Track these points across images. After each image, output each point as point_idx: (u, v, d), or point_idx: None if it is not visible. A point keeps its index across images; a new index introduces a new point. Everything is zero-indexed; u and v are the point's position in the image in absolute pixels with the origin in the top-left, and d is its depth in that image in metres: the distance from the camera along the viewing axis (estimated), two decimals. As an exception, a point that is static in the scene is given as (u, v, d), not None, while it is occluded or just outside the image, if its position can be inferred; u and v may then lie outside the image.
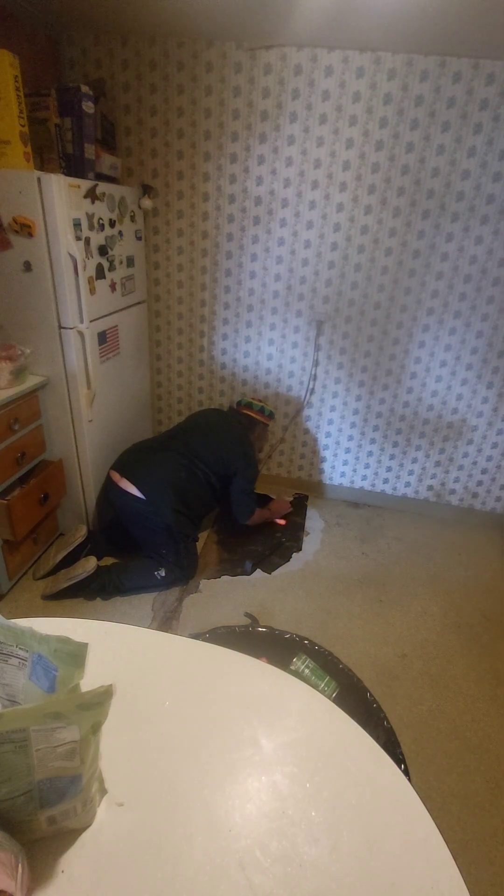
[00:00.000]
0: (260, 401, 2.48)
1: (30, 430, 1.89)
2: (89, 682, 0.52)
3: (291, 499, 2.73)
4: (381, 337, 2.41)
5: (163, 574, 2.00)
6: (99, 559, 2.04)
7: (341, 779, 0.64)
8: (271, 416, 2.48)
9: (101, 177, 2.00)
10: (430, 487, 2.74)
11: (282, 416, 2.70)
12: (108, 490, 2.07)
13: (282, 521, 2.54)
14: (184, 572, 2.05)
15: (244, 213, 2.27)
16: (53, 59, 2.09)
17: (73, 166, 1.83)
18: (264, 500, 2.65)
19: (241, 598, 2.06)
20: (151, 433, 2.82)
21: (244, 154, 2.16)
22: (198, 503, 2.10)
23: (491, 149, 1.99)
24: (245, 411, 2.41)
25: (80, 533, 2.05)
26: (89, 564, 1.93)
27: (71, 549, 2.00)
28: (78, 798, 0.54)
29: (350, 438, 2.70)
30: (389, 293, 2.31)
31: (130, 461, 2.07)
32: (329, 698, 0.75)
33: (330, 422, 2.67)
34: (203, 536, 2.39)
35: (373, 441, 2.68)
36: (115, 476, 2.02)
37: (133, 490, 1.96)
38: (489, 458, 2.59)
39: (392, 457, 2.71)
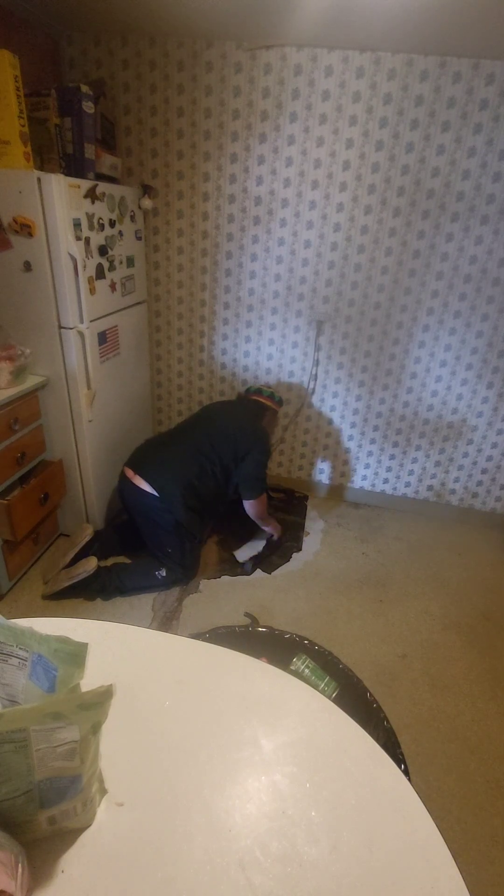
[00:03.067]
0: (269, 387, 2.44)
1: (30, 430, 1.89)
2: (89, 682, 0.52)
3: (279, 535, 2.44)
4: (381, 337, 2.41)
5: (163, 574, 2.00)
6: (106, 558, 2.05)
7: (341, 779, 0.64)
8: (281, 402, 2.40)
9: (101, 177, 2.00)
10: (430, 487, 2.74)
11: (282, 416, 2.70)
12: (122, 487, 2.06)
13: (276, 532, 2.38)
14: (186, 573, 2.05)
15: (244, 213, 2.27)
16: (53, 59, 2.09)
17: (73, 166, 1.83)
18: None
19: (241, 598, 2.06)
20: (151, 433, 2.82)
21: (244, 154, 2.16)
22: (209, 499, 2.05)
23: (491, 149, 1.98)
24: (255, 398, 2.34)
25: (87, 532, 2.05)
26: (90, 564, 1.93)
27: (78, 548, 2.00)
28: (78, 798, 0.54)
29: (350, 438, 2.70)
30: (389, 293, 2.31)
31: (143, 458, 2.06)
32: (329, 698, 0.75)
33: (330, 422, 2.67)
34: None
35: (373, 441, 2.68)
36: (129, 473, 2.01)
37: (146, 487, 1.94)
38: (489, 458, 2.59)
39: (392, 457, 2.71)
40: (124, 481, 2.02)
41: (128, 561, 2.15)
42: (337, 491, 2.86)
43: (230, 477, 2.09)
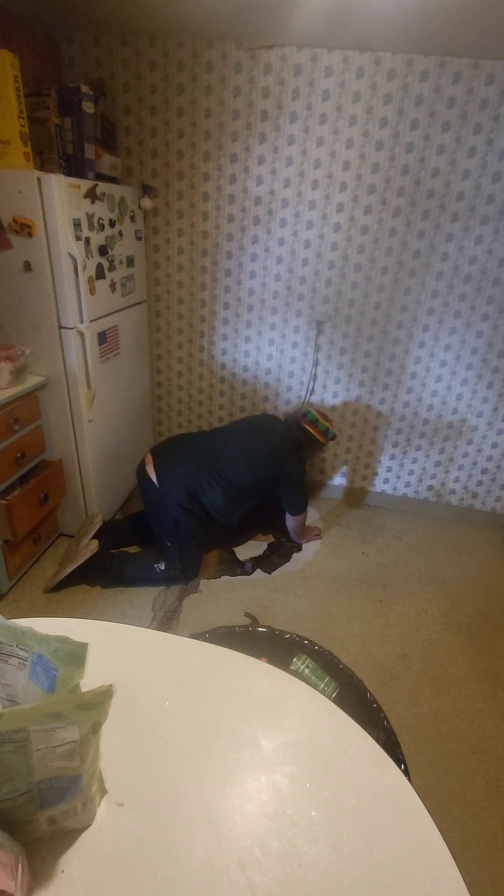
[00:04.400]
0: (327, 420, 2.25)
1: (30, 430, 1.89)
2: (89, 682, 0.52)
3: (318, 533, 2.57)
4: (381, 337, 2.41)
5: (162, 567, 2.01)
6: (112, 549, 2.11)
7: (341, 779, 0.64)
8: (333, 438, 2.29)
9: (101, 177, 2.00)
10: (430, 487, 2.74)
11: (282, 416, 2.70)
12: (139, 469, 2.11)
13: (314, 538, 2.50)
14: (185, 571, 2.05)
15: (244, 213, 2.27)
16: (53, 59, 2.09)
17: (73, 166, 1.83)
18: None
19: (241, 598, 2.06)
20: (151, 433, 2.82)
21: (244, 154, 2.16)
22: (212, 509, 2.00)
23: (491, 149, 1.98)
24: (308, 427, 2.20)
25: (97, 520, 2.11)
26: (92, 545, 1.97)
27: (91, 535, 2.04)
28: (78, 798, 0.54)
29: (350, 438, 2.70)
30: (389, 293, 2.31)
31: (165, 448, 2.10)
32: (329, 698, 0.75)
33: (330, 422, 2.67)
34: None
35: (373, 441, 2.68)
36: (147, 458, 2.07)
37: (153, 476, 2.00)
38: (489, 458, 2.59)
39: (392, 457, 2.70)
40: (141, 464, 2.08)
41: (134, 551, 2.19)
42: (337, 491, 2.86)
43: (247, 498, 2.07)
